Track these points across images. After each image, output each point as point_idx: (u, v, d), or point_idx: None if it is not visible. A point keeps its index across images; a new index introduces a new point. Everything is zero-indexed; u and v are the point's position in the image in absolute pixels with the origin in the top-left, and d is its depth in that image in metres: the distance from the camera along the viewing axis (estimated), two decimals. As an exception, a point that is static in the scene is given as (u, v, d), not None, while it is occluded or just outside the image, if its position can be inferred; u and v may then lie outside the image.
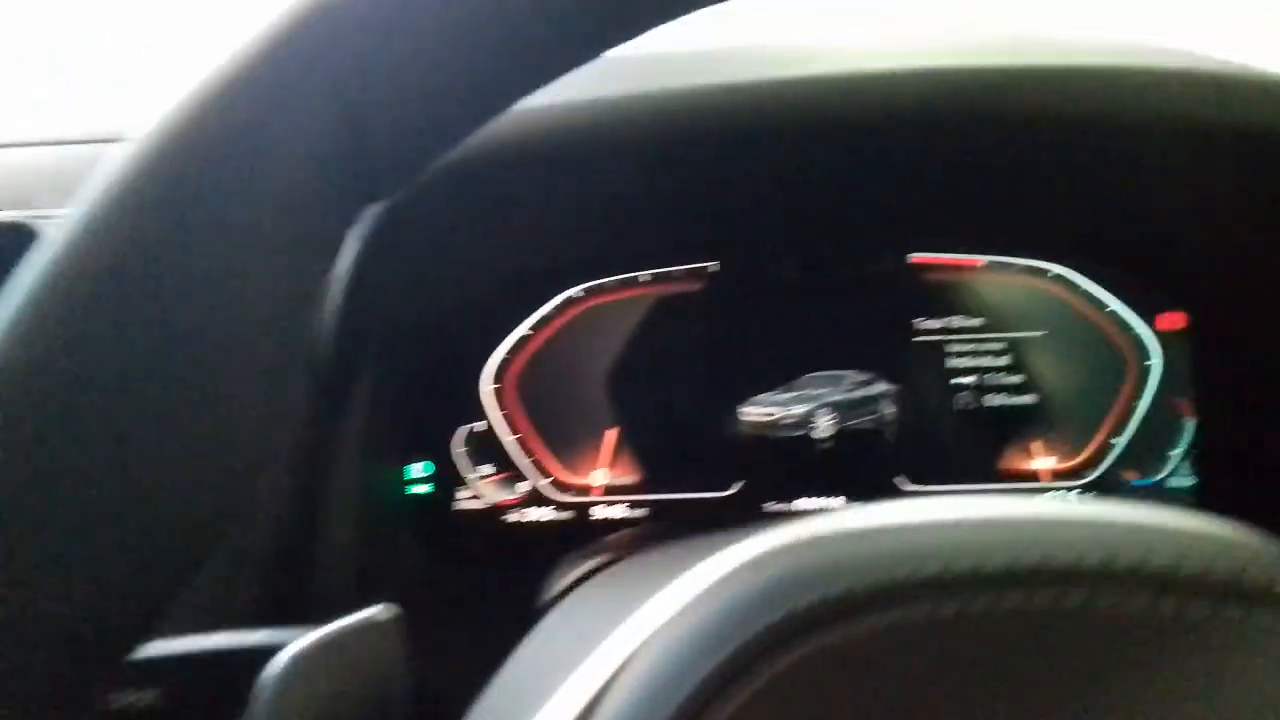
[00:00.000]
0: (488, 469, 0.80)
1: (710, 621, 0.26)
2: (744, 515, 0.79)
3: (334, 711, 0.33)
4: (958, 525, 0.29)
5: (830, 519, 0.33)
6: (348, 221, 0.29)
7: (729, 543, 0.31)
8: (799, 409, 0.78)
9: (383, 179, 0.30)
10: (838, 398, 0.78)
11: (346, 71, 0.27)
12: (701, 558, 0.31)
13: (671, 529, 0.76)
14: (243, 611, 0.64)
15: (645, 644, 0.27)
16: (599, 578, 0.51)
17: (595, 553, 0.66)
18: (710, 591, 0.27)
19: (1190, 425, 0.77)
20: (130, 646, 0.26)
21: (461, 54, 0.28)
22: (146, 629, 0.26)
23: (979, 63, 0.60)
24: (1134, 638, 0.26)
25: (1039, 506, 0.34)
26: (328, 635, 0.34)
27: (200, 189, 0.25)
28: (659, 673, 0.25)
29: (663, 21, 0.30)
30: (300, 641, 0.33)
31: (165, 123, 0.25)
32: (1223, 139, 0.59)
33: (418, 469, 0.79)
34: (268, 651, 0.34)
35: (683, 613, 0.27)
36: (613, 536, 0.73)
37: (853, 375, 0.78)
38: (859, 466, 0.78)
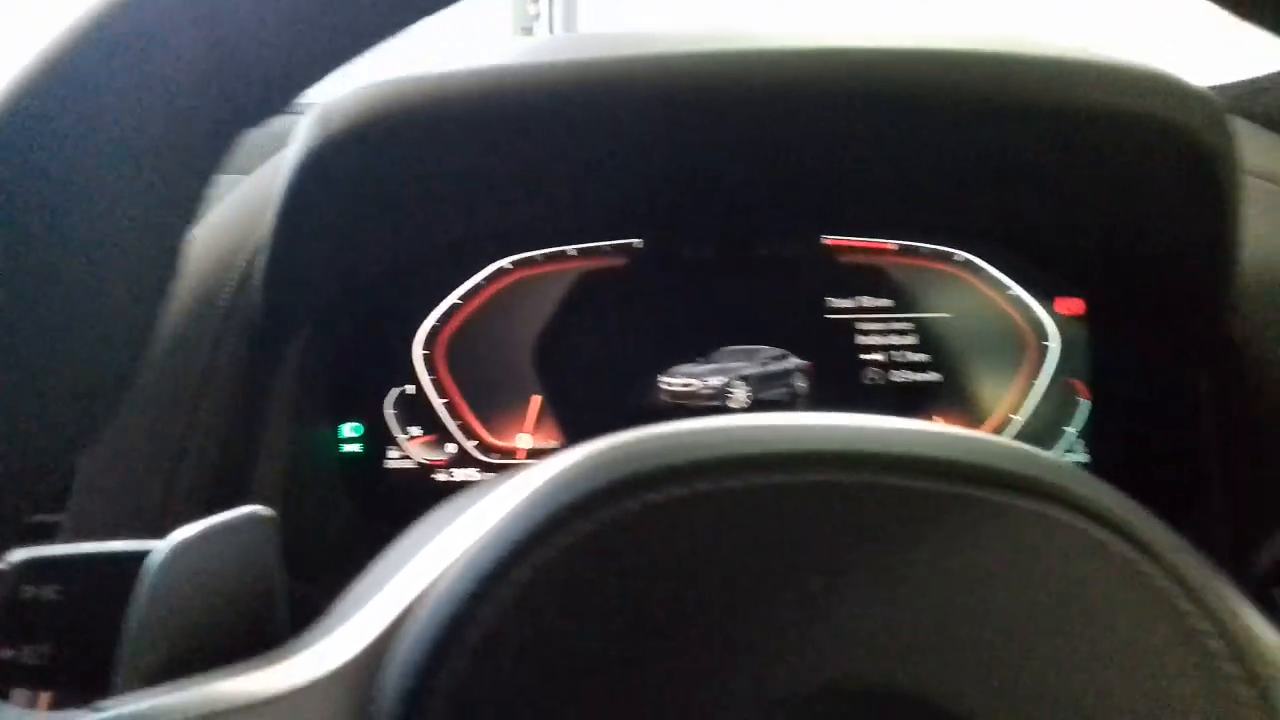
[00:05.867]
0: (417, 431, 0.83)
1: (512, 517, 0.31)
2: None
3: (212, 597, 0.36)
4: (729, 426, 0.33)
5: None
6: (219, 143, 0.32)
7: None
8: (715, 380, 0.82)
9: (248, 106, 0.33)
10: (752, 371, 0.81)
11: (217, 9, 0.30)
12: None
13: None
14: None
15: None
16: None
17: None
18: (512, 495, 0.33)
19: (1085, 405, 0.81)
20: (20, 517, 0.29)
21: None
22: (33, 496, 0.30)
23: (892, 45, 0.63)
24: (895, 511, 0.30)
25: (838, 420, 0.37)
26: (208, 527, 0.37)
27: (85, 89, 0.28)
28: (475, 555, 0.31)
29: None
30: (182, 531, 0.36)
31: (65, 32, 0.28)
32: (1116, 128, 0.62)
33: (349, 429, 0.83)
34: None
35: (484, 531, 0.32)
36: None
37: (767, 350, 0.82)
38: (771, 437, 0.82)
